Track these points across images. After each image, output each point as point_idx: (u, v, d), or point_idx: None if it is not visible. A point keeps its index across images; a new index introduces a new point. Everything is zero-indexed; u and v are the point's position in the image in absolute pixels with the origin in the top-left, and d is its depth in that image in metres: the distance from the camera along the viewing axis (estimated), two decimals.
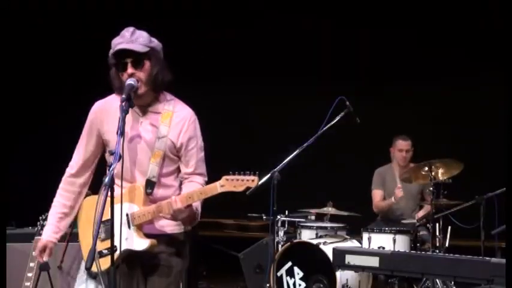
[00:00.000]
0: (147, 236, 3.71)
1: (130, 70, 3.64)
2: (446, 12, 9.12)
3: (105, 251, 3.43)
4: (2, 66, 6.52)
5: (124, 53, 3.65)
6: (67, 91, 9.45)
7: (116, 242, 3.55)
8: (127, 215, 3.68)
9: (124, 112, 3.47)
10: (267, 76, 9.72)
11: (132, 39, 3.65)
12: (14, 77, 8.37)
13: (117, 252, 3.60)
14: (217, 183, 3.55)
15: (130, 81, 3.58)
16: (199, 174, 3.84)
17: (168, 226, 3.80)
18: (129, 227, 3.68)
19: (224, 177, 3.54)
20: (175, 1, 9.59)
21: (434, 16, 9.22)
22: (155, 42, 3.76)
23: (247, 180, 3.52)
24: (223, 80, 9.49)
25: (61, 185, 3.99)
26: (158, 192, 3.76)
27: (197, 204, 3.71)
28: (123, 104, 3.49)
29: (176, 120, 3.77)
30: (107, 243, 3.52)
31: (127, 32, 3.68)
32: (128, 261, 3.73)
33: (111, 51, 3.68)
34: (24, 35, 8.91)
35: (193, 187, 3.75)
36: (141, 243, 3.67)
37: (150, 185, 3.73)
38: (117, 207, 3.64)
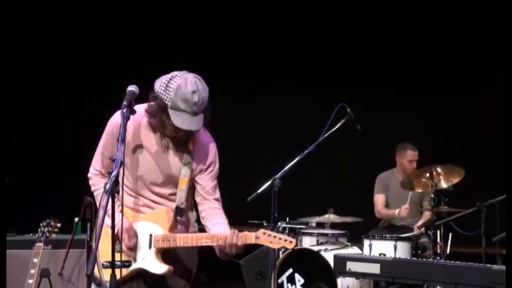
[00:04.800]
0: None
1: (183, 134, 3.64)
2: (448, 15, 9.14)
3: (118, 263, 3.41)
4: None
5: None
6: (68, 98, 9.48)
7: (136, 259, 3.65)
8: (150, 235, 3.68)
9: (125, 119, 3.45)
10: (268, 80, 9.73)
11: (196, 111, 3.55)
12: (16, 82, 8.40)
13: (132, 267, 3.65)
14: (253, 235, 3.56)
15: (131, 87, 3.55)
16: (216, 200, 3.85)
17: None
18: (149, 247, 3.68)
19: (261, 230, 3.56)
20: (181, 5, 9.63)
21: (437, 19, 9.23)
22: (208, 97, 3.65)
23: (285, 241, 3.54)
24: (223, 85, 9.47)
25: (95, 182, 3.90)
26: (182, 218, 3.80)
27: None
28: (125, 111, 3.47)
29: (198, 146, 3.79)
30: (122, 255, 3.58)
31: (192, 96, 3.53)
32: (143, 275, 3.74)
33: (172, 106, 3.53)
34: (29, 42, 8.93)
35: (219, 217, 3.78)
36: (158, 268, 3.65)
37: (179, 212, 3.75)
38: (141, 224, 3.71)
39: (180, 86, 3.53)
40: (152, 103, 3.64)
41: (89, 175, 3.92)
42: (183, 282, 3.82)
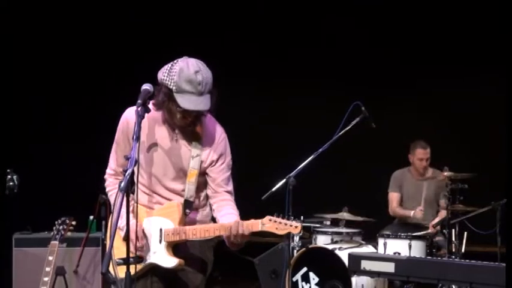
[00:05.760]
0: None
1: (191, 119, 3.65)
2: (449, 16, 9.11)
3: (132, 259, 3.43)
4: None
5: None
6: (81, 95, 9.50)
7: (148, 254, 3.66)
8: (160, 229, 3.69)
9: (140, 117, 3.46)
10: (282, 79, 9.72)
11: (202, 90, 3.56)
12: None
13: (143, 263, 3.66)
14: (259, 222, 3.53)
15: (146, 86, 3.57)
16: (228, 192, 3.83)
17: None
18: (160, 241, 3.68)
19: (267, 217, 3.54)
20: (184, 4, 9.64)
21: (438, 20, 9.21)
22: (212, 79, 3.66)
23: (290, 226, 3.51)
24: (237, 82, 9.48)
25: (109, 183, 3.91)
26: (193, 213, 3.79)
27: None
28: (139, 109, 3.48)
29: (207, 137, 3.78)
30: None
31: (195, 75, 3.55)
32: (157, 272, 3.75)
33: (177, 90, 3.55)
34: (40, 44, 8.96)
35: (229, 208, 3.76)
36: (168, 261, 3.66)
37: (188, 205, 3.75)
38: (152, 219, 3.73)
39: (183, 68, 3.57)
40: (158, 96, 3.66)
41: (105, 176, 3.95)
42: (198, 280, 3.82)
